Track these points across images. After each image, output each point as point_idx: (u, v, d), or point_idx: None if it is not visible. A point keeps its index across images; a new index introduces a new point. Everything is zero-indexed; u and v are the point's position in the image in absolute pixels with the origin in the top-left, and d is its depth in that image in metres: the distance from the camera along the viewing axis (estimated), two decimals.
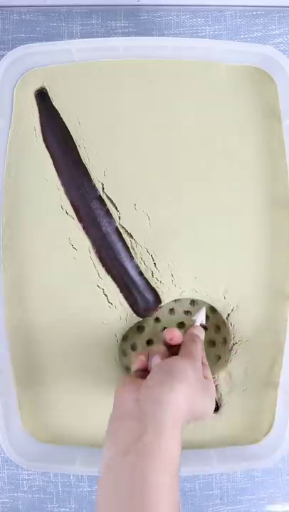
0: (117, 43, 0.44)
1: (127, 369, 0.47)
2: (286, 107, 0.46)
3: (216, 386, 0.46)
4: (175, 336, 0.39)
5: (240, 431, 0.46)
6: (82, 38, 0.50)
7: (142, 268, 0.46)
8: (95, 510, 0.31)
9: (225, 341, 0.48)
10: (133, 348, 0.49)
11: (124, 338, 0.48)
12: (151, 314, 0.47)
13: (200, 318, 0.44)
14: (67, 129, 0.46)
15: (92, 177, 0.46)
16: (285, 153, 0.46)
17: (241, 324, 0.46)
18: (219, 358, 0.48)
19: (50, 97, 0.46)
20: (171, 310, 0.49)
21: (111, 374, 0.46)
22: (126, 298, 0.46)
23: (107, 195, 0.46)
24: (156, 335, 0.49)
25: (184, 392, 0.33)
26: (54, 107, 0.46)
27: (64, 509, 0.48)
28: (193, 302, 0.49)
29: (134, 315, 0.47)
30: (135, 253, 0.46)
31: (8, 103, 0.46)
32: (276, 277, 0.46)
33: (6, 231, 0.46)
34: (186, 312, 0.49)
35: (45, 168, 0.46)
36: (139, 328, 0.49)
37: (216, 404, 0.45)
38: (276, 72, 0.46)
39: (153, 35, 0.49)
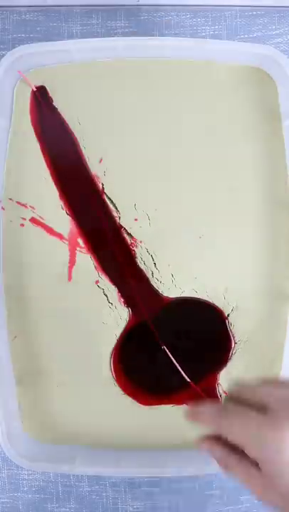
0: (117, 42, 0.44)
1: None
2: (286, 107, 0.46)
3: (216, 386, 0.46)
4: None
5: None
6: (82, 38, 0.50)
7: (142, 268, 0.46)
8: None
9: None
10: None
11: None
12: (151, 315, 0.47)
13: None
14: (67, 128, 0.46)
15: (92, 177, 0.46)
16: (285, 154, 0.46)
17: (241, 324, 0.46)
18: None
19: (50, 97, 0.46)
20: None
21: (111, 374, 0.46)
22: (125, 299, 0.46)
23: (107, 195, 0.46)
24: None
25: None
26: (54, 106, 0.46)
27: (64, 509, 0.48)
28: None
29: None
30: (135, 253, 0.46)
31: (8, 103, 0.46)
32: (276, 277, 0.46)
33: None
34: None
35: (45, 168, 0.46)
36: None
37: None
38: (276, 72, 0.46)
39: (153, 35, 0.49)
